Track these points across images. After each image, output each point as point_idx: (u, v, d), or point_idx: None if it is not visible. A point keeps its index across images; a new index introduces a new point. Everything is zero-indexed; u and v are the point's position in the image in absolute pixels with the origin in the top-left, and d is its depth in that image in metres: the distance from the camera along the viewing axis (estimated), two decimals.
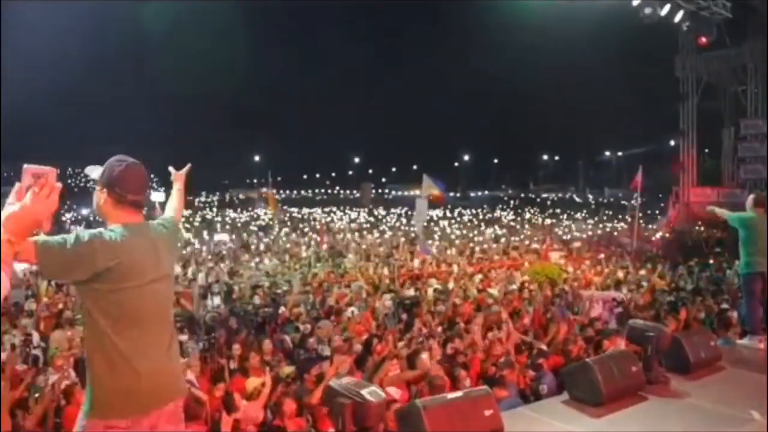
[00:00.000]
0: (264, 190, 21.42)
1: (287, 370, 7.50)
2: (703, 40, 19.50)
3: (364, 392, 4.07)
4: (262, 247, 22.85)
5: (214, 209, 60.39)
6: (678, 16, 17.66)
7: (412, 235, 24.28)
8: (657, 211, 41.88)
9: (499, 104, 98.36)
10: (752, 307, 7.30)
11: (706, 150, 37.16)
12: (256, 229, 33.58)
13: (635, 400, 5.48)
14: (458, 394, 4.63)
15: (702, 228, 25.64)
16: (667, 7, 17.06)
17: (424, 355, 7.11)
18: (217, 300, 12.63)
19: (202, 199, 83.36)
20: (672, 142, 27.46)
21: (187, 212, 52.47)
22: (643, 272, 16.84)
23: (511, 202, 74.31)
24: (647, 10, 16.64)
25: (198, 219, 44.38)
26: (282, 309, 11.15)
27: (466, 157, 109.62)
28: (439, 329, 9.80)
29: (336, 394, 4.25)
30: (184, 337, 9.40)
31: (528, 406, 5.75)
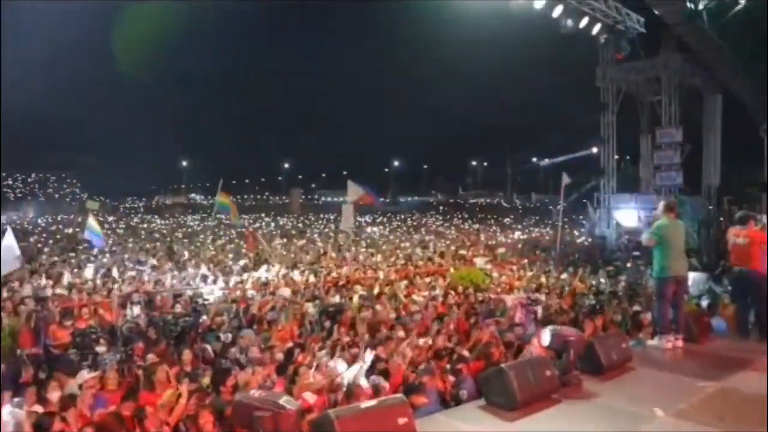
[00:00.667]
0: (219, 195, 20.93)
1: (205, 380, 7.31)
2: (619, 57, 20.38)
3: (282, 401, 4.01)
4: (186, 255, 22.30)
5: (140, 215, 58.71)
6: (596, 29, 18.37)
7: (340, 242, 24.21)
8: (581, 217, 43.17)
9: (429, 110, 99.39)
10: (663, 310, 7.59)
11: (628, 157, 38.56)
12: (180, 236, 32.83)
13: (549, 403, 5.62)
14: (372, 402, 4.61)
15: (621, 233, 26.59)
16: (585, 20, 17.72)
17: (333, 363, 7.10)
18: (136, 309, 12.23)
19: (128, 204, 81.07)
20: (594, 150, 28.17)
21: (111, 218, 51.20)
22: (564, 276, 17.26)
23: (441, 207, 74.93)
24: (568, 22, 17.21)
25: (122, 225, 43.10)
26: (203, 318, 10.91)
27: (396, 163, 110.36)
28: (366, 336, 9.73)
29: (249, 408, 4.17)
30: (101, 349, 9.10)
31: (445, 412, 5.79)
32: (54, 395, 6.86)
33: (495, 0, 17.77)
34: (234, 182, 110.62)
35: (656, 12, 21.02)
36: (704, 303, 12.42)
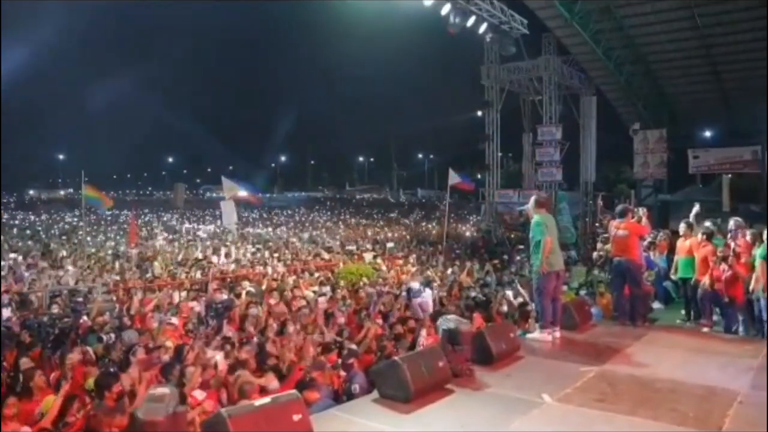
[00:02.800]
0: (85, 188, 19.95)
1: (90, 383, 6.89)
2: (504, 53, 21.18)
3: (142, 409, 3.82)
4: (64, 252, 21.08)
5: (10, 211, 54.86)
6: (482, 28, 18.93)
7: (228, 239, 23.69)
8: (466, 212, 44.37)
9: (316, 106, 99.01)
10: (544, 304, 7.84)
11: (510, 154, 40.01)
12: (57, 233, 30.98)
13: (443, 393, 5.69)
14: (266, 400, 4.48)
15: (504, 228, 27.57)
16: (472, 19, 18.22)
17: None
18: (6, 312, 11.38)
19: None
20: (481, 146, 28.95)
21: None
22: (450, 270, 17.63)
23: (328, 203, 74.88)
24: (456, 20, 17.61)
25: None
26: (84, 318, 10.32)
27: (283, 158, 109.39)
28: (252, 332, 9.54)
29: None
30: None
31: (339, 407, 5.73)
32: None
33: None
34: (114, 176, 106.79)
35: (538, 15, 22.04)
36: (583, 292, 13.04)
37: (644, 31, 23.68)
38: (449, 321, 6.52)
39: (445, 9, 17.44)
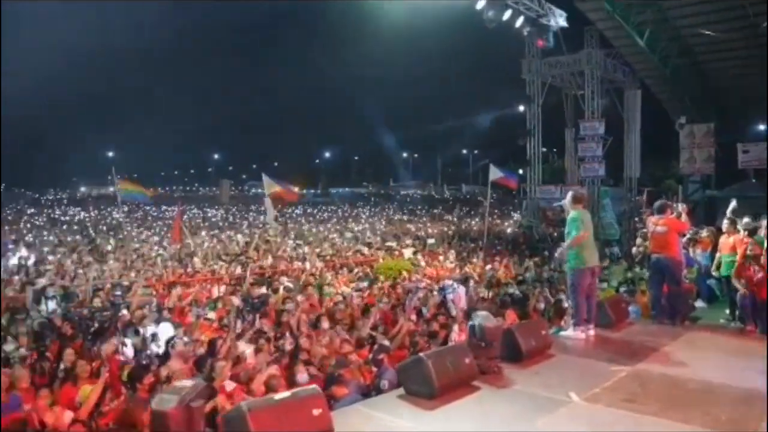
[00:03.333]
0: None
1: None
2: (540, 44, 20.78)
3: (155, 401, 3.88)
4: (109, 247, 21.60)
5: (62, 207, 56.51)
6: (519, 22, 18.66)
7: (267, 234, 23.95)
8: (511, 208, 43.97)
9: (360, 102, 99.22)
10: (578, 301, 7.71)
11: (555, 149, 39.48)
12: (105, 228, 31.75)
13: (468, 390, 5.66)
14: (286, 394, 4.53)
15: (546, 224, 27.23)
16: (508, 13, 17.97)
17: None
18: (52, 304, 11.72)
19: (50, 196, 78.06)
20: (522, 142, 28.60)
21: (31, 210, 49.13)
22: (489, 267, 17.50)
23: (372, 198, 75.05)
24: (490, 14, 17.41)
25: (44, 218, 41.43)
26: (123, 312, 10.55)
27: (327, 154, 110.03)
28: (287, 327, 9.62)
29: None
30: (10, 347, 8.67)
31: (363, 402, 5.75)
32: None
33: None
34: (163, 174, 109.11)
35: (579, 8, 21.63)
36: (622, 290, 12.82)
37: (690, 22, 22.96)
38: (478, 317, 6.47)
39: (481, 3, 17.24)
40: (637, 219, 24.68)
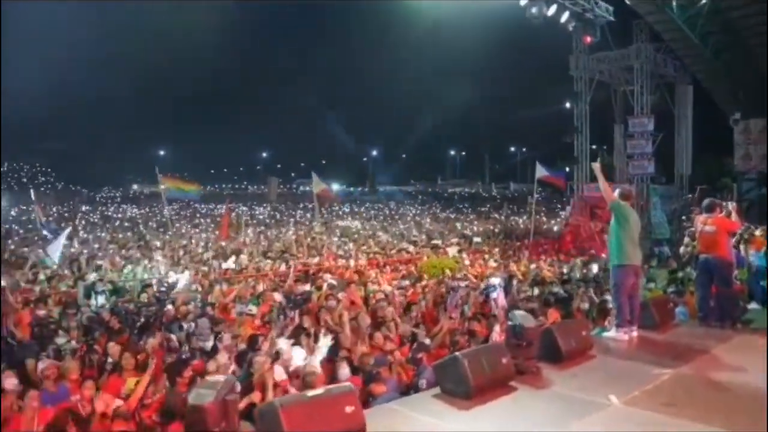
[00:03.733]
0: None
1: None
2: (588, 39, 20.42)
3: (192, 395, 3.93)
4: (158, 243, 22.11)
5: (115, 205, 58.07)
6: (564, 17, 18.41)
7: (313, 232, 24.17)
8: (560, 206, 43.35)
9: (407, 100, 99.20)
10: (621, 300, 7.54)
11: (605, 147, 38.77)
12: (155, 225, 32.49)
13: (504, 391, 5.58)
14: (319, 391, 4.54)
15: (594, 221, 26.73)
16: (553, 8, 17.73)
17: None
18: (101, 299, 12.09)
19: (104, 194, 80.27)
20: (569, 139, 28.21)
21: (86, 208, 50.66)
22: (533, 265, 17.30)
23: (419, 197, 75.00)
24: (533, 10, 17.20)
25: (97, 215, 42.62)
26: (169, 307, 10.80)
27: (375, 152, 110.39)
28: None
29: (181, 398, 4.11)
30: (61, 340, 8.97)
31: (398, 401, 5.73)
32: (9, 383, 6.77)
33: None
34: (212, 171, 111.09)
35: (627, 2, 21.17)
36: (670, 290, 12.51)
37: (743, 13, 22.22)
38: (516, 317, 6.39)
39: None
40: (684, 218, 24.10)
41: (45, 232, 17.97)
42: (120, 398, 6.75)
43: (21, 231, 29.89)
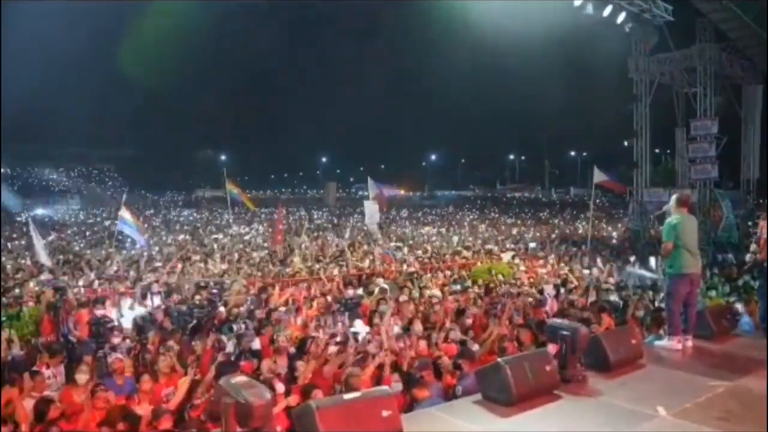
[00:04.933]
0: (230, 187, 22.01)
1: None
2: (645, 46, 19.78)
3: (247, 393, 3.94)
4: (215, 246, 22.56)
5: (177, 209, 59.60)
6: (620, 18, 17.91)
7: (360, 236, 24.29)
8: (622, 211, 42.35)
9: (465, 104, 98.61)
10: (674, 309, 7.30)
11: (668, 151, 37.70)
12: (214, 229, 33.17)
13: (548, 399, 5.47)
14: (356, 394, 4.54)
15: (654, 227, 25.97)
16: (609, 8, 17.29)
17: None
18: (157, 300, 12.41)
19: (167, 198, 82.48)
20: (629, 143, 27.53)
21: (150, 211, 52.17)
22: (587, 271, 16.93)
23: (478, 201, 74.48)
24: (589, 10, 16.82)
25: (159, 218, 43.83)
26: (221, 309, 11.00)
27: (433, 157, 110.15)
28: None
29: (223, 392, 4.14)
30: (117, 340, 9.24)
31: (438, 407, 5.66)
32: (82, 378, 7.08)
33: None
34: (273, 176, 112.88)
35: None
36: (734, 299, 12.07)
37: None
38: (564, 324, 6.27)
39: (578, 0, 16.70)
40: (751, 224, 23.20)
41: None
42: (162, 399, 6.95)
43: (88, 233, 30.96)
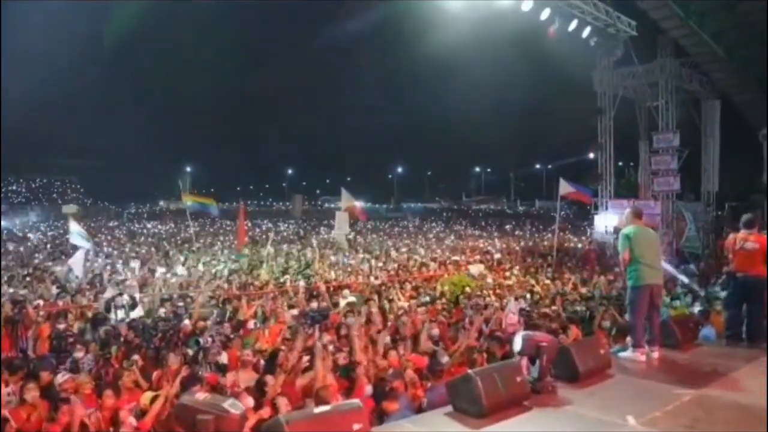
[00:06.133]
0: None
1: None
2: (612, 59, 20.05)
3: (226, 405, 3.87)
4: (181, 258, 22.23)
5: (141, 221, 58.65)
6: (585, 32, 18.21)
7: (328, 248, 24.16)
8: (585, 223, 42.82)
9: (432, 118, 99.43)
10: (636, 321, 7.34)
11: (631, 164, 38.33)
12: (179, 241, 32.71)
13: (519, 410, 5.45)
14: (326, 408, 4.45)
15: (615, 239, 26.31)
16: (574, 23, 17.56)
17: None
18: (120, 313, 12.15)
19: (131, 210, 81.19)
20: (591, 155, 27.93)
21: (112, 223, 51.27)
22: (551, 282, 17.09)
23: (444, 214, 74.78)
24: (555, 25, 17.06)
25: (123, 231, 43.07)
26: (186, 322, 10.81)
27: (400, 169, 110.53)
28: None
29: (192, 410, 4.04)
30: (79, 354, 9.00)
31: (408, 419, 5.61)
32: (30, 395, 6.79)
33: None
34: (238, 188, 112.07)
35: (651, 16, 20.90)
36: (696, 309, 12.25)
37: None
38: (532, 334, 6.26)
39: (545, 14, 16.93)
40: (714, 236, 23.66)
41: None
42: (133, 414, 6.75)
43: (49, 246, 30.27)
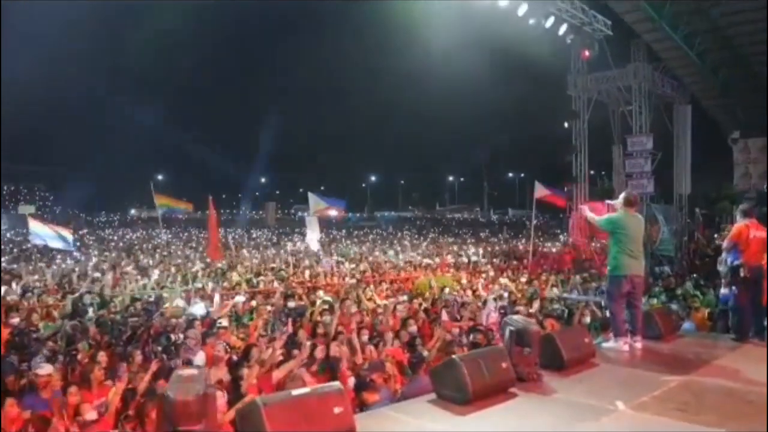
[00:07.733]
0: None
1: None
2: (586, 53, 20.24)
3: (170, 391, 3.64)
4: (151, 262, 21.84)
5: (111, 229, 57.85)
6: (562, 30, 18.27)
7: (301, 253, 23.96)
8: (558, 230, 43.05)
9: (405, 126, 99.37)
10: (615, 311, 7.21)
11: (603, 172, 38.60)
12: (151, 247, 32.23)
13: (504, 397, 5.28)
14: (305, 390, 4.22)
15: (593, 241, 26.41)
16: (551, 20, 17.60)
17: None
18: (89, 312, 11.83)
19: (102, 218, 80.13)
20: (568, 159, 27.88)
21: (83, 231, 50.37)
22: (526, 281, 17.10)
23: (418, 222, 74.87)
24: (531, 21, 17.08)
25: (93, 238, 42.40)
26: (155, 319, 10.55)
27: (373, 178, 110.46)
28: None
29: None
30: (46, 351, 8.68)
31: (392, 406, 5.41)
32: None
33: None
34: (211, 197, 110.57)
35: (625, 19, 21.06)
36: (674, 306, 12.22)
37: (743, 30, 22.02)
38: (516, 321, 6.09)
39: (522, 10, 16.93)
40: (686, 239, 23.79)
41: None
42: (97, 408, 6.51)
43: (15, 249, 29.76)
